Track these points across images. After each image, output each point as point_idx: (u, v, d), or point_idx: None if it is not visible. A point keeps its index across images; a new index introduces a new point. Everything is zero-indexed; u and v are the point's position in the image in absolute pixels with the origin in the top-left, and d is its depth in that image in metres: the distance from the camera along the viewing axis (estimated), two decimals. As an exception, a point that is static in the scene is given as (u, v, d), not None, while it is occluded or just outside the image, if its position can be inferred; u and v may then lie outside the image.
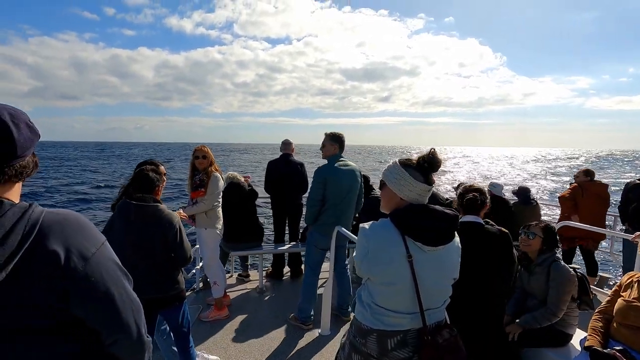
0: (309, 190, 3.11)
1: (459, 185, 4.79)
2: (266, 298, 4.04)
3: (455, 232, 1.41)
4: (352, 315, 3.37)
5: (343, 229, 3.01)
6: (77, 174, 30.08)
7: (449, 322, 1.50)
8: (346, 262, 3.45)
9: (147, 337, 1.00)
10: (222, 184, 3.42)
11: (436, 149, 1.38)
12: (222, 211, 4.10)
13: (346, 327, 3.28)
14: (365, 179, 4.84)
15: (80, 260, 0.80)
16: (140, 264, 2.07)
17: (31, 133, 0.85)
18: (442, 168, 1.43)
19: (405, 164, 1.42)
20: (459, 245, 1.46)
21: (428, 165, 1.39)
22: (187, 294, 4.15)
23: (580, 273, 2.43)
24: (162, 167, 2.81)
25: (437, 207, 1.38)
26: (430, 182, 1.39)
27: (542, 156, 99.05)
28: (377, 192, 4.79)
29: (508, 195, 5.15)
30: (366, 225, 1.42)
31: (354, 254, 1.47)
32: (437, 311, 1.41)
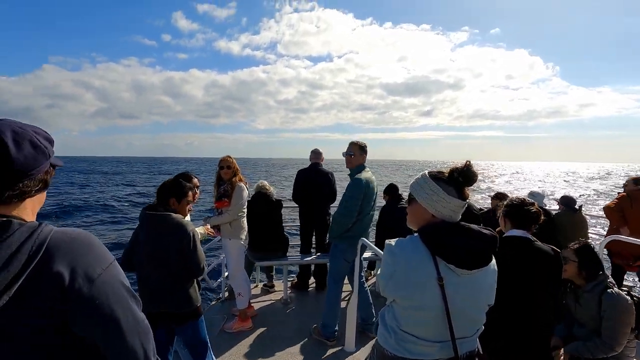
0: (346, 201, 2.97)
1: (497, 195, 4.53)
2: (291, 310, 3.96)
3: (492, 255, 1.27)
4: (374, 335, 3.21)
5: (368, 242, 2.92)
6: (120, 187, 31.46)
7: (481, 351, 1.35)
8: (362, 274, 3.33)
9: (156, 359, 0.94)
10: (246, 194, 3.40)
11: (479, 164, 1.24)
12: (248, 221, 4.10)
13: (372, 343, 3.14)
14: (394, 187, 4.71)
15: (85, 282, 0.77)
16: (154, 274, 2.06)
17: (36, 152, 0.82)
18: (489, 184, 1.28)
19: (436, 177, 1.29)
20: (495, 268, 1.31)
21: (462, 178, 1.25)
22: (212, 303, 4.17)
23: (637, 297, 2.17)
24: (195, 180, 2.84)
25: (473, 226, 1.25)
26: (464, 197, 1.26)
27: (606, 172, 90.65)
28: (404, 202, 4.64)
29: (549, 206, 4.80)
30: (392, 242, 1.30)
31: (379, 271, 1.36)
32: (470, 340, 1.27)
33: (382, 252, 2.50)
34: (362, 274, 3.28)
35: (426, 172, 1.33)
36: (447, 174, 1.28)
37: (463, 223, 1.26)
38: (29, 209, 0.85)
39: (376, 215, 3.90)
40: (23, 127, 0.82)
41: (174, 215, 2.07)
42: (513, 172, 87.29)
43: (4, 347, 0.72)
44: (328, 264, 3.30)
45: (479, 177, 1.30)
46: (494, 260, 1.28)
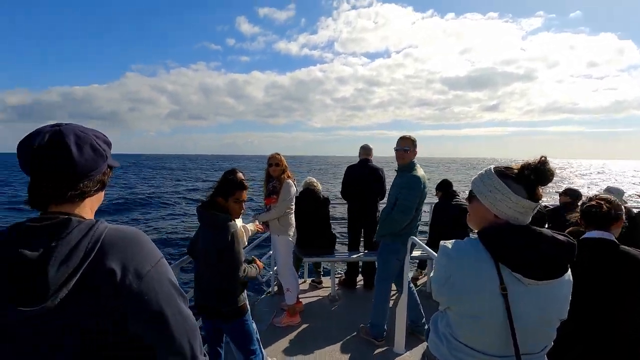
0: (405, 199, 2.87)
1: (566, 191, 4.11)
2: (338, 307, 3.96)
3: (568, 265, 1.12)
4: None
5: (418, 240, 2.82)
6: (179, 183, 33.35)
7: None
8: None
9: (204, 356, 0.96)
10: (293, 190, 3.43)
11: (555, 162, 1.09)
12: (296, 217, 4.13)
13: (422, 346, 3.03)
14: (448, 184, 4.48)
15: (135, 278, 0.80)
16: (203, 269, 2.14)
17: (95, 155, 0.86)
18: (568, 186, 1.12)
19: (503, 173, 1.15)
20: (571, 278, 1.15)
21: (535, 176, 1.10)
22: (262, 296, 4.29)
23: None
24: (239, 174, 2.91)
25: (545, 230, 1.10)
26: (536, 198, 1.11)
27: None
28: (460, 199, 4.39)
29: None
30: (448, 243, 1.20)
31: (432, 273, 1.27)
32: (536, 357, 1.13)
33: (433, 252, 2.38)
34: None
35: (491, 167, 1.20)
36: (516, 171, 1.14)
37: (534, 227, 1.12)
38: (88, 207, 0.90)
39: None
40: (85, 131, 0.87)
41: (218, 214, 2.08)
42: (597, 172, 77.42)
43: (64, 341, 0.76)
44: (377, 261, 3.20)
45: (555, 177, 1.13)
46: (569, 271, 1.14)
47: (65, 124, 0.87)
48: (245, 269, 2.13)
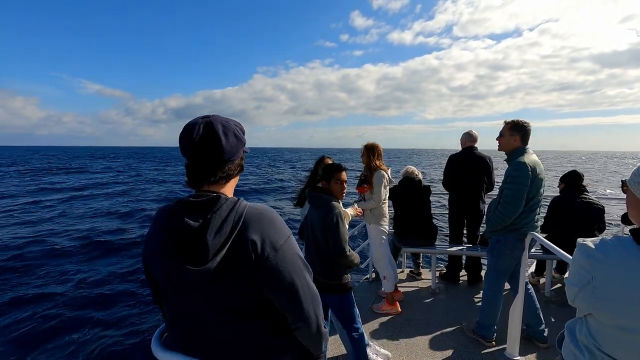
0: (509, 189, 2.62)
1: None
2: (439, 301, 3.80)
3: None
4: (544, 344, 2.73)
5: (540, 237, 2.49)
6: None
7: None
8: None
9: (325, 327, 1.05)
10: (385, 181, 3.37)
11: None
12: (395, 206, 4.09)
13: (539, 354, 2.73)
14: (578, 176, 3.89)
15: (272, 250, 0.90)
16: (312, 248, 2.32)
17: (237, 141, 1.00)
18: None
19: None
20: None
21: None
22: (360, 282, 4.38)
23: None
24: (327, 160, 3.11)
25: None
26: None
27: None
28: (589, 195, 3.78)
29: None
30: (590, 242, 1.05)
31: (566, 275, 1.13)
32: None
33: (559, 250, 2.11)
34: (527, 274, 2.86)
35: None
36: None
37: None
38: (231, 187, 1.05)
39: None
40: (227, 121, 1.00)
41: (324, 195, 2.27)
42: None
43: (220, 299, 0.90)
44: (486, 258, 2.96)
45: None
46: None
47: (212, 115, 1.01)
48: (349, 250, 2.23)
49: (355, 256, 2.26)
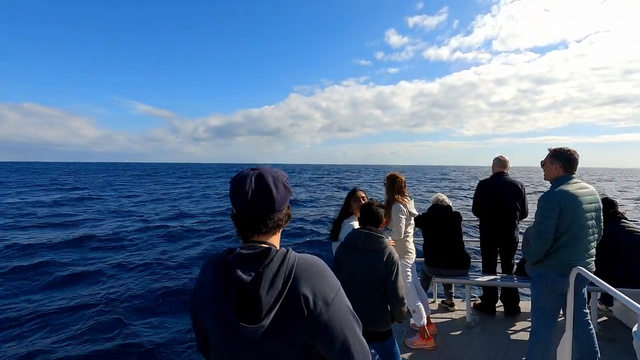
0: (536, 220, 2.54)
1: None
2: (476, 334, 3.62)
3: None
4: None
5: (587, 271, 2.35)
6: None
7: None
8: (585, 310, 2.66)
9: None
10: (404, 214, 3.29)
11: None
12: (425, 235, 4.00)
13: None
14: (609, 203, 3.70)
15: (323, 305, 0.89)
16: (357, 292, 2.16)
17: (286, 191, 1.02)
18: None
19: None
20: None
21: None
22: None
23: None
24: (359, 192, 3.10)
25: None
26: None
27: None
28: (629, 222, 3.59)
29: None
30: None
31: (635, 328, 1.05)
32: None
33: (603, 283, 2.01)
34: (586, 310, 2.65)
35: None
36: None
37: None
38: (278, 237, 1.05)
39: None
40: (276, 172, 1.02)
41: (378, 234, 2.18)
42: None
43: (270, 355, 0.89)
44: (530, 292, 2.79)
45: None
46: None
47: (261, 167, 1.04)
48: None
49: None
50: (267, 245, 0.96)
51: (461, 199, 24.63)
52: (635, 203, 24.66)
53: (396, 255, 2.15)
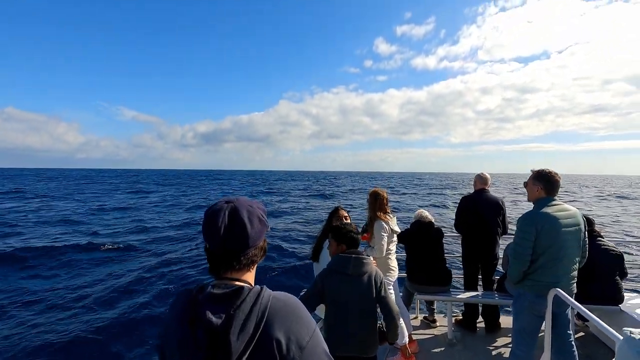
0: (514, 241, 2.58)
1: None
2: (458, 351, 3.61)
3: None
4: None
5: (564, 293, 2.36)
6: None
7: None
8: (569, 332, 2.66)
9: None
10: (385, 231, 3.27)
11: None
12: (407, 251, 4.01)
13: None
14: (587, 222, 3.77)
15: (297, 350, 0.85)
16: (349, 317, 2.11)
17: (261, 226, 0.98)
18: None
19: None
20: None
21: None
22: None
23: None
24: (341, 212, 3.05)
25: None
26: None
27: None
28: (606, 242, 3.67)
29: None
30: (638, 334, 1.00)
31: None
32: None
33: (578, 305, 2.03)
34: (570, 332, 2.65)
35: None
36: None
37: None
38: (253, 273, 1.01)
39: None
40: (252, 205, 0.99)
41: (364, 256, 2.18)
42: None
43: None
44: (512, 310, 2.80)
45: None
46: None
47: (237, 199, 0.99)
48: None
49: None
50: (240, 284, 0.92)
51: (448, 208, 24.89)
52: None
53: (380, 273, 2.18)
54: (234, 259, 0.94)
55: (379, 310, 2.18)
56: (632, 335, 1.01)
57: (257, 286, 0.94)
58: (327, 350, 0.95)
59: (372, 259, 3.29)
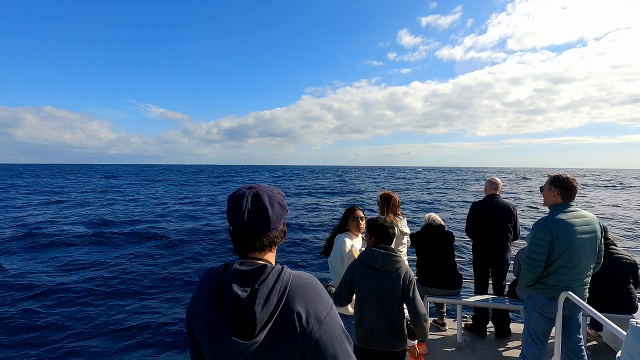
0: (528, 247, 2.57)
1: None
2: (467, 355, 3.64)
3: None
4: None
5: (575, 296, 2.37)
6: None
7: None
8: (579, 336, 2.66)
9: None
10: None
11: None
12: (418, 254, 4.08)
13: None
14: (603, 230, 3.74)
15: (316, 322, 0.91)
16: (374, 311, 2.15)
17: (281, 210, 1.05)
18: None
19: None
20: None
21: None
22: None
23: None
24: (358, 211, 3.02)
25: None
26: None
27: None
28: (619, 250, 3.62)
29: None
30: None
31: (618, 354, 1.10)
32: None
33: (593, 310, 2.07)
34: (580, 336, 2.65)
35: None
36: None
37: None
38: (274, 254, 1.08)
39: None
40: (272, 191, 1.06)
41: (399, 257, 2.19)
42: None
43: None
44: (523, 314, 2.82)
45: None
46: None
47: (258, 185, 1.07)
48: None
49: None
50: (263, 262, 0.99)
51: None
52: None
53: (412, 274, 2.17)
54: (257, 240, 1.01)
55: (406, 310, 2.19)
56: (639, 325, 1.05)
57: (279, 264, 1.01)
58: (343, 326, 1.01)
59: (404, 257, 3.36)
